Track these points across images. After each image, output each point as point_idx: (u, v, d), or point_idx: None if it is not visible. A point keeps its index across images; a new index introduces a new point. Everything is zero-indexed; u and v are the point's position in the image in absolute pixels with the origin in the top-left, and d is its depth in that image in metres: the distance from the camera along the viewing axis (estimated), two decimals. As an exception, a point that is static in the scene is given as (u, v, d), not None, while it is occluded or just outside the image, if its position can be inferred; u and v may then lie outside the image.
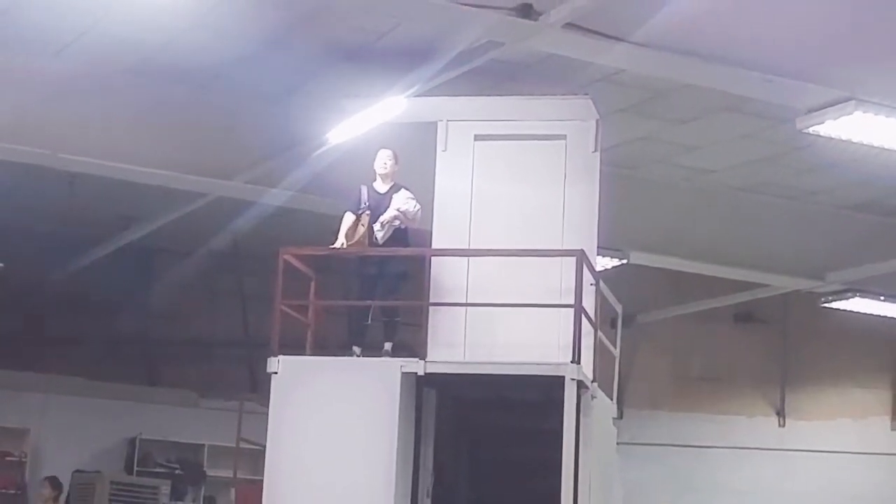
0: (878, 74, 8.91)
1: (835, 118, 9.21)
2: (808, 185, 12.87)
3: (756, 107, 10.51)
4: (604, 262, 12.49)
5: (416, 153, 9.89)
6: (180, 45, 10.05)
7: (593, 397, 9.15)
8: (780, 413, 17.95)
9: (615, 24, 8.46)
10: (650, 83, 10.26)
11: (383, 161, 9.83)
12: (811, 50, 8.72)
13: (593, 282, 9.38)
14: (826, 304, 14.90)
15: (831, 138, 9.78)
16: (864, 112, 9.06)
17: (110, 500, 15.27)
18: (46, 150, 11.07)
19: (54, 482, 14.32)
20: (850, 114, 9.09)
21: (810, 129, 9.52)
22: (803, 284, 14.50)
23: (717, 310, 16.53)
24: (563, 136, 9.66)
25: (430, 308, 9.32)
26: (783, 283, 14.59)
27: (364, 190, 9.81)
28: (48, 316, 16.10)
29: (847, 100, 9.02)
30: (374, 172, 9.86)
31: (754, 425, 17.96)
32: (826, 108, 9.15)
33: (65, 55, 10.20)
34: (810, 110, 9.29)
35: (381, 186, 9.84)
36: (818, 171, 12.29)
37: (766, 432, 17.86)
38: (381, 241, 9.71)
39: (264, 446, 9.18)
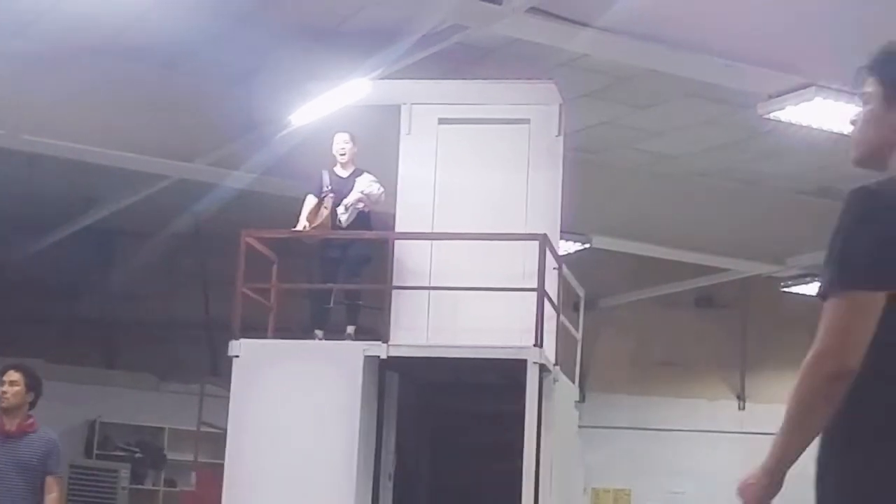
0: (837, 61, 8.94)
1: (795, 104, 9.26)
2: (768, 170, 12.95)
3: (718, 93, 10.54)
4: (567, 247, 12.51)
5: (380, 136, 9.87)
6: (143, 25, 9.96)
7: (555, 380, 9.18)
8: (741, 396, 18.07)
9: (579, 9, 8.45)
10: (614, 68, 10.27)
11: (340, 145, 9.80)
12: (773, 36, 8.75)
13: (556, 266, 9.41)
14: (786, 289, 15.01)
15: (792, 124, 9.84)
16: (824, 98, 9.11)
17: (69, 484, 15.18)
18: (6, 131, 10.96)
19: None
20: (810, 100, 9.14)
21: (771, 115, 9.58)
22: (764, 269, 14.61)
23: (678, 294, 16.61)
24: (527, 121, 9.67)
25: (394, 292, 9.32)
26: (744, 268, 14.68)
27: (325, 174, 9.77)
28: (7, 298, 15.95)
29: (807, 86, 9.07)
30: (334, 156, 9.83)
31: (715, 409, 18.07)
32: (787, 94, 9.21)
33: (25, 35, 10.09)
34: (771, 96, 9.34)
35: (342, 171, 9.81)
36: (779, 157, 12.36)
37: (727, 416, 17.97)
38: (344, 225, 9.69)
39: (225, 430, 9.16)
